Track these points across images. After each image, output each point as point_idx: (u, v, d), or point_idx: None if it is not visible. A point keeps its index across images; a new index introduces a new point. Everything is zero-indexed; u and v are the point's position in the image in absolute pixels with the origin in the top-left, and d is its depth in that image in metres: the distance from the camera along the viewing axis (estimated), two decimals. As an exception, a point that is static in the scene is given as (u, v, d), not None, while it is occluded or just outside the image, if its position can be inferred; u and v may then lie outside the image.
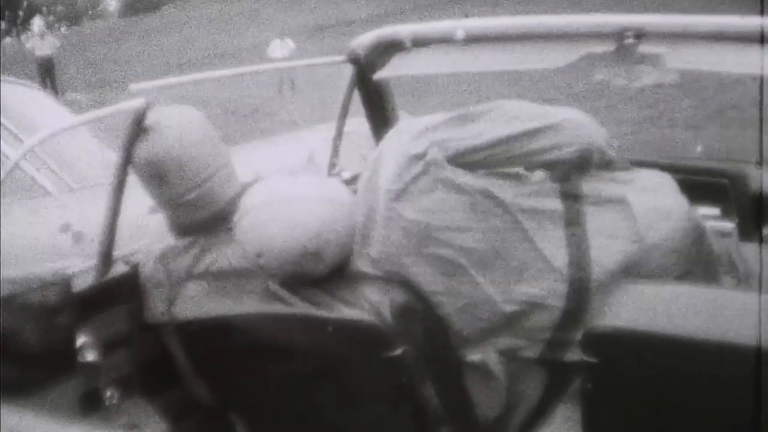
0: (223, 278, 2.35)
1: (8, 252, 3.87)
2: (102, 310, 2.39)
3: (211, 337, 2.36)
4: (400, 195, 2.20)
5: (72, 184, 4.43)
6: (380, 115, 3.14)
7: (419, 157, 2.20)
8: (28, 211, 4.27)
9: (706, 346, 1.87)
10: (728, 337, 1.85)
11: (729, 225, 2.67)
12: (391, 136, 2.29)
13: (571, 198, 2.26)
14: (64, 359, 2.27)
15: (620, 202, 2.26)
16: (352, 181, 2.94)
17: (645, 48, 2.43)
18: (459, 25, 2.73)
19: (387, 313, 2.13)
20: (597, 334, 1.97)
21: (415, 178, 2.20)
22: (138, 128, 2.34)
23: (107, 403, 2.39)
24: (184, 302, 2.37)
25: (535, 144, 2.24)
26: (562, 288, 2.19)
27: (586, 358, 1.96)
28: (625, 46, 2.43)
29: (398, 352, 2.13)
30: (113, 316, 2.42)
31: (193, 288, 2.38)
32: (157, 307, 2.42)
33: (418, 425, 2.23)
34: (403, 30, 2.85)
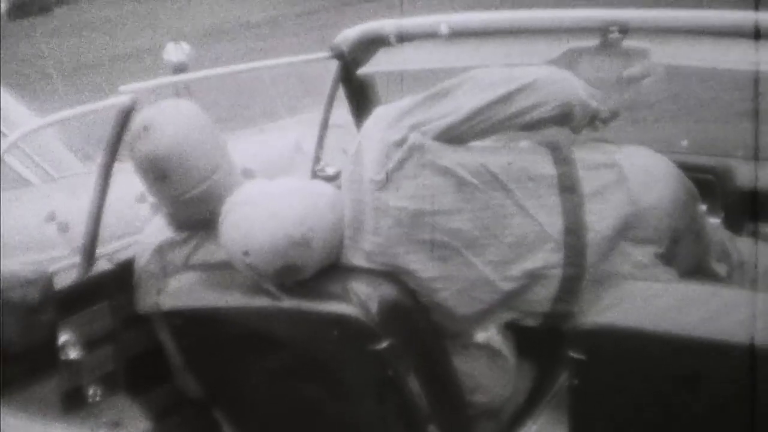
0: (215, 269, 2.33)
1: None
2: (84, 307, 2.38)
3: (195, 327, 2.35)
4: (385, 184, 2.17)
5: (53, 174, 4.40)
6: (365, 111, 3.13)
7: (400, 143, 2.17)
8: (9, 202, 4.25)
9: (693, 343, 1.87)
10: (715, 334, 1.85)
11: (715, 220, 2.68)
12: (368, 126, 2.26)
13: (563, 162, 2.24)
14: (46, 357, 2.25)
15: (612, 165, 2.24)
16: (336, 177, 2.94)
17: (630, 42, 2.43)
18: (444, 20, 2.73)
19: (374, 307, 2.12)
20: (584, 330, 1.96)
21: (399, 165, 2.17)
22: (124, 126, 2.32)
23: (90, 401, 2.38)
24: (172, 292, 2.35)
25: (513, 107, 2.20)
26: (559, 257, 2.17)
27: (573, 355, 1.96)
28: (609, 40, 2.43)
29: (383, 345, 2.12)
30: (96, 313, 2.41)
31: (183, 278, 2.37)
32: (148, 298, 2.41)
33: (404, 419, 2.23)
34: (388, 25, 2.85)
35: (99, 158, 2.39)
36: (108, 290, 2.43)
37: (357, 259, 2.21)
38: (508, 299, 2.20)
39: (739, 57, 2.32)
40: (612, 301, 2.03)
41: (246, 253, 2.12)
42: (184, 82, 2.70)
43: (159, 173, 2.30)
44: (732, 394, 1.84)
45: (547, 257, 2.17)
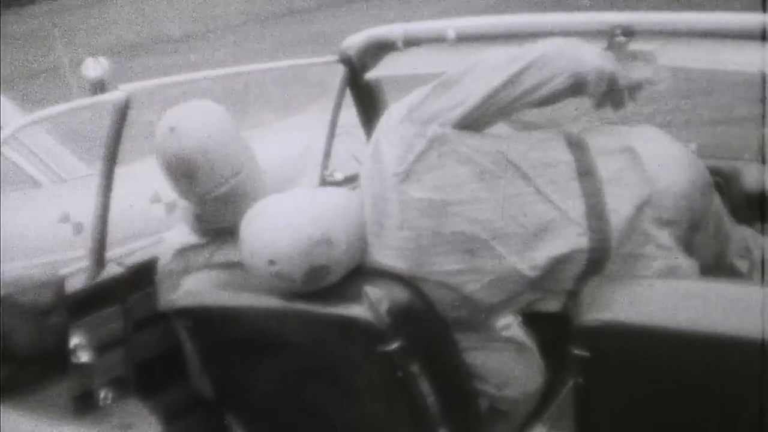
0: (231, 269, 2.34)
1: (7, 245, 3.88)
2: (96, 310, 2.39)
3: (206, 327, 2.36)
4: (408, 176, 2.15)
5: (63, 175, 4.42)
6: (373, 115, 3.14)
7: (419, 135, 2.16)
8: (20, 203, 4.27)
9: (698, 339, 1.87)
10: (721, 329, 1.85)
11: None
12: (384, 122, 2.25)
13: (576, 148, 2.24)
14: (57, 360, 2.26)
15: (626, 150, 2.24)
16: (345, 183, 2.95)
17: (636, 45, 2.43)
18: (450, 25, 2.74)
19: (384, 309, 2.11)
20: (589, 327, 1.97)
21: (421, 156, 2.15)
22: (122, 124, 2.34)
23: (101, 404, 2.39)
24: (186, 290, 2.36)
25: (524, 86, 2.19)
26: (584, 240, 2.16)
27: (578, 352, 1.96)
28: (615, 43, 2.43)
29: (393, 347, 2.12)
30: (107, 316, 2.42)
31: (197, 277, 2.38)
32: (165, 296, 2.43)
33: (415, 422, 2.23)
34: (395, 29, 2.85)
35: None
36: (119, 294, 2.45)
37: (383, 257, 2.19)
38: (535, 286, 2.19)
39: (746, 59, 2.32)
40: (616, 298, 2.03)
41: (272, 263, 2.11)
42: (184, 82, 2.71)
43: (185, 172, 2.32)
44: (742, 392, 1.84)
45: (573, 242, 2.16)
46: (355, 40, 2.93)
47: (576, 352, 1.97)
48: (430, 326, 2.23)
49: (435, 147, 2.15)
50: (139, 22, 15.33)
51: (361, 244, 2.20)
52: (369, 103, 3.10)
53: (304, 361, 2.27)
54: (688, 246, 2.24)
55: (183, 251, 2.44)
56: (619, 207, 2.18)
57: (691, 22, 2.40)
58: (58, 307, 2.25)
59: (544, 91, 2.20)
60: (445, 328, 2.25)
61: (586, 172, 2.20)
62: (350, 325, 2.14)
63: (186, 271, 2.40)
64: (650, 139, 2.30)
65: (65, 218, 3.32)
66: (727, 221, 2.39)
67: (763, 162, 2.82)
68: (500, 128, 2.27)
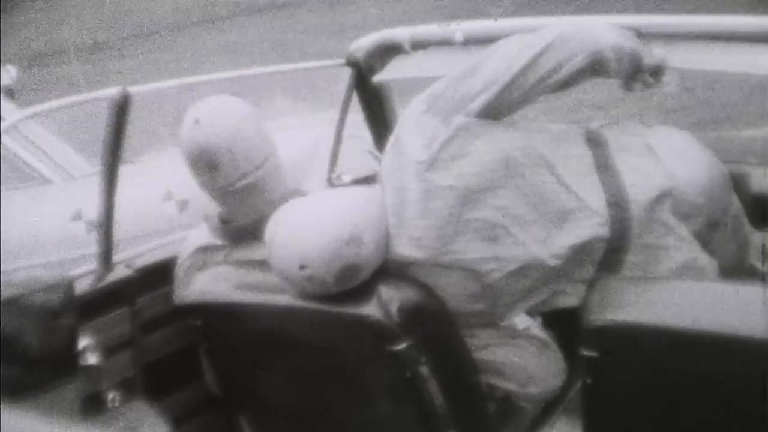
0: (245, 267, 2.36)
1: (20, 241, 3.89)
2: (104, 312, 2.40)
3: (215, 323, 2.36)
4: (432, 164, 2.15)
5: (72, 172, 4.43)
6: (379, 118, 3.14)
7: (443, 124, 2.16)
8: (31, 200, 4.28)
9: (707, 340, 1.87)
10: (730, 330, 1.85)
11: None
12: (405, 117, 2.26)
13: (597, 143, 2.24)
14: (66, 362, 2.26)
15: (645, 146, 2.25)
16: (353, 185, 2.95)
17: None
18: (458, 28, 2.74)
19: (394, 308, 2.11)
20: (597, 327, 1.97)
21: (445, 145, 2.15)
22: (122, 122, 2.34)
23: (109, 406, 2.39)
24: (197, 285, 2.38)
25: (543, 69, 2.19)
26: (605, 230, 2.17)
27: (585, 353, 1.96)
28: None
29: (402, 346, 2.12)
30: (116, 318, 2.42)
31: (209, 273, 2.39)
32: (178, 292, 2.45)
33: (423, 422, 2.23)
34: (402, 32, 2.86)
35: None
36: (128, 296, 2.45)
37: (404, 248, 2.18)
38: (556, 275, 2.19)
39: (752, 61, 2.32)
40: (624, 298, 2.03)
41: (302, 267, 2.11)
42: (188, 85, 2.71)
43: (208, 164, 2.34)
44: (750, 393, 1.84)
45: (593, 231, 2.16)
46: (362, 43, 2.94)
47: (584, 352, 1.97)
48: (440, 327, 2.23)
49: (460, 136, 2.15)
50: (43, 33, 15.30)
51: (386, 240, 2.20)
52: (376, 106, 3.11)
53: (313, 360, 2.27)
54: (707, 245, 2.24)
55: (202, 249, 2.46)
56: (638, 197, 2.18)
57: (699, 25, 2.40)
58: (66, 309, 2.24)
59: (563, 72, 2.19)
60: (455, 329, 2.24)
61: (605, 165, 2.21)
62: (360, 323, 2.14)
63: (202, 268, 2.42)
64: (669, 137, 2.31)
65: (77, 216, 3.31)
66: (747, 224, 2.39)
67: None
68: (523, 120, 2.28)
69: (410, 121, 2.22)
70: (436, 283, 2.19)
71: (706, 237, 2.24)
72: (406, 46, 2.84)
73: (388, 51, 2.90)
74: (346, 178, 3.04)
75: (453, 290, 2.20)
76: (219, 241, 2.45)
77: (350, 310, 2.15)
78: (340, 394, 2.29)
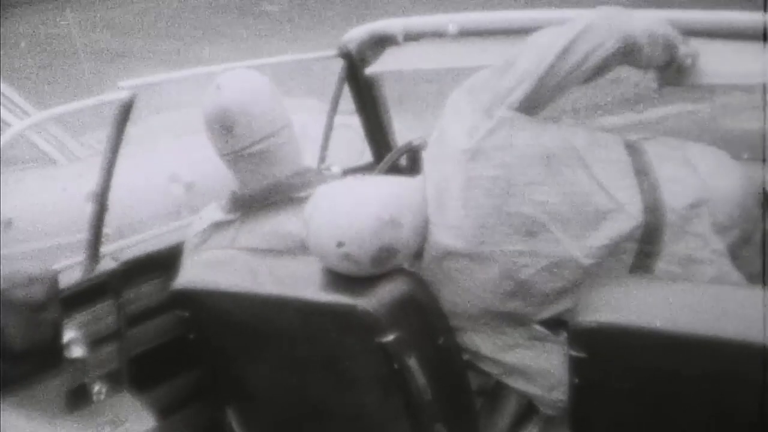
0: (239, 252, 2.38)
1: (35, 222, 3.89)
2: (90, 305, 2.39)
3: (202, 309, 2.34)
4: (476, 153, 2.16)
5: (78, 153, 4.44)
6: (371, 110, 3.13)
7: (486, 116, 2.17)
8: (42, 180, 4.29)
9: (694, 341, 1.86)
10: (717, 332, 1.85)
11: None
12: (448, 109, 2.25)
13: (635, 151, 2.24)
14: (51, 355, 2.26)
15: (681, 158, 2.26)
16: (342, 176, 2.93)
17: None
18: (451, 20, 2.72)
19: (383, 300, 2.11)
20: (585, 328, 1.96)
21: (489, 134, 2.15)
22: (125, 121, 2.35)
23: (95, 399, 2.39)
24: (187, 269, 2.39)
25: (576, 56, 2.18)
26: (637, 233, 2.16)
27: (573, 353, 1.95)
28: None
29: (390, 338, 2.11)
30: (101, 311, 2.41)
31: (201, 257, 2.41)
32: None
33: (410, 415, 2.22)
34: (395, 24, 2.84)
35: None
36: (113, 288, 2.44)
37: (443, 237, 2.18)
38: (588, 275, 2.17)
39: (749, 58, 2.32)
40: (612, 300, 2.02)
41: (341, 244, 2.12)
42: (187, 77, 2.71)
43: (225, 125, 2.40)
44: (738, 395, 1.84)
45: (627, 233, 2.16)
46: (355, 34, 2.92)
47: (572, 353, 1.96)
48: (429, 320, 2.22)
49: (503, 127, 2.16)
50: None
51: (425, 228, 2.20)
52: (368, 98, 3.09)
53: (301, 351, 2.26)
54: (736, 258, 2.24)
55: (211, 228, 2.50)
56: (674, 204, 2.18)
57: (699, 21, 2.39)
58: (52, 302, 2.24)
59: (595, 59, 2.19)
60: (444, 322, 2.24)
61: (643, 171, 2.21)
62: (349, 314, 2.13)
63: (209, 245, 2.46)
64: (705, 152, 2.31)
65: (91, 197, 3.32)
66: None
67: (764, 161, 2.82)
68: (565, 120, 2.28)
69: (454, 113, 2.23)
70: (473, 279, 2.19)
71: (737, 251, 2.24)
72: (399, 38, 2.83)
73: (380, 42, 2.89)
74: (336, 169, 3.02)
75: (489, 287, 2.19)
76: (226, 216, 2.49)
77: (338, 299, 2.14)
78: (328, 385, 2.28)
